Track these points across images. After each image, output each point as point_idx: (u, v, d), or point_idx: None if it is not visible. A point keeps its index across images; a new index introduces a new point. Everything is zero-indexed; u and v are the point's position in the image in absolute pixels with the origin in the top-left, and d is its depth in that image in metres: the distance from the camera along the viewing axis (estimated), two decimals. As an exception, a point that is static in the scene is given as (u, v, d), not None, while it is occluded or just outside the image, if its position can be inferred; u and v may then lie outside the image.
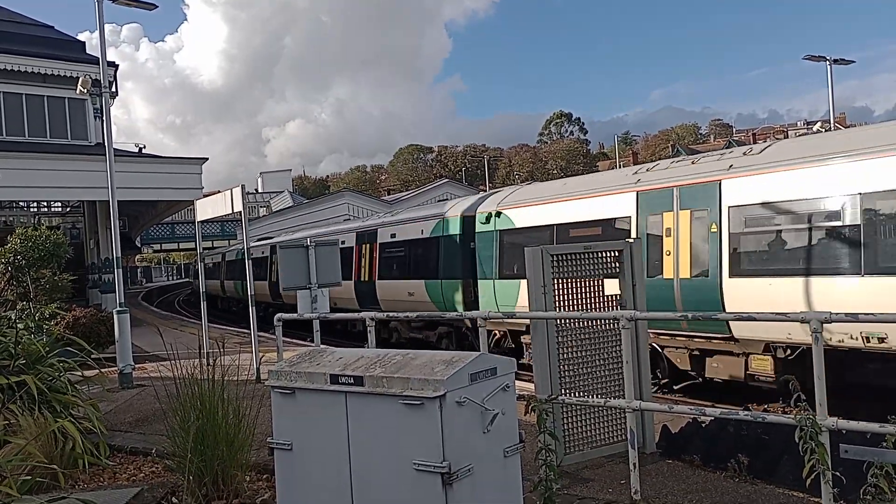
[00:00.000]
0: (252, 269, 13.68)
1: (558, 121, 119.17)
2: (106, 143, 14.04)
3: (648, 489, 5.81)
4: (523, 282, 12.92)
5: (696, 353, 11.35)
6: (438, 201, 22.15)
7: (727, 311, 10.10)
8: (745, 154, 10.90)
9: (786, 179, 9.83)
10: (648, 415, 6.87)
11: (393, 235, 19.53)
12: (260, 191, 73.53)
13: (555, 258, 6.57)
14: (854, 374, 9.70)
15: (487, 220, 15.36)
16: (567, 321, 6.64)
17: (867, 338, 8.72)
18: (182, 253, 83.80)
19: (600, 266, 6.78)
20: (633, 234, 11.61)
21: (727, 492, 5.79)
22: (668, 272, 11.24)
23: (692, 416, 7.38)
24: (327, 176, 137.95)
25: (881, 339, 8.64)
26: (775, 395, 10.28)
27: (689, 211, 11.05)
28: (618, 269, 6.82)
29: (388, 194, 70.52)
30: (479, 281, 15.49)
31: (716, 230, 10.58)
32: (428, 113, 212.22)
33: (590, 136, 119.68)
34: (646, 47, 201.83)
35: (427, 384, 3.85)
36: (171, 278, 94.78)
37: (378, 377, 4.06)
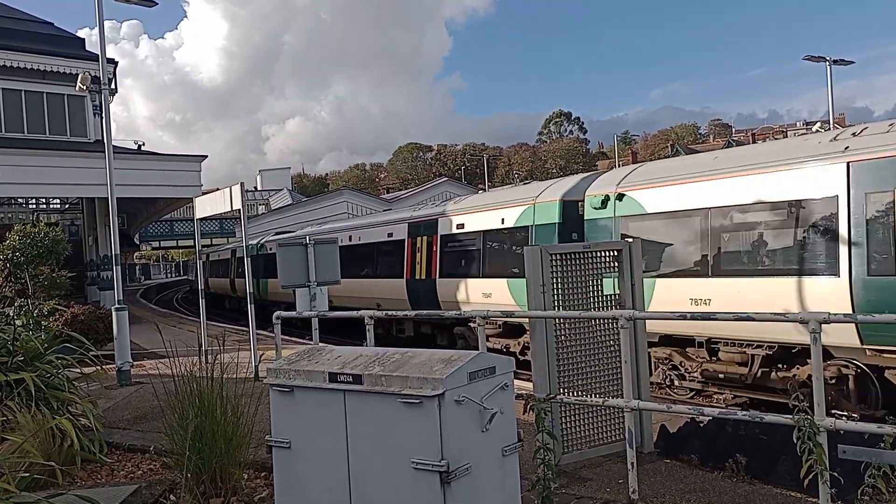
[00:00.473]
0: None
1: (558, 120, 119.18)
2: (105, 140, 14.02)
3: (646, 488, 5.82)
4: (659, 281, 11.21)
5: None
6: (443, 201, 21.48)
7: None
8: None
9: None
10: (646, 414, 6.87)
11: (461, 226, 16.77)
12: (259, 188, 73.47)
13: (554, 257, 6.59)
14: None
15: (603, 204, 12.69)
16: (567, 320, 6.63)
17: None
18: (181, 250, 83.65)
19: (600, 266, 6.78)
20: (844, 218, 9.09)
21: (725, 491, 5.79)
22: None
23: (690, 416, 7.37)
24: (326, 174, 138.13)
25: None
26: None
27: None
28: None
29: (387, 193, 70.49)
30: None
31: None
32: (427, 111, 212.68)
33: (589, 136, 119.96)
34: (646, 47, 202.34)
35: (426, 383, 3.85)
36: (169, 276, 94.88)
37: (377, 375, 4.05)
